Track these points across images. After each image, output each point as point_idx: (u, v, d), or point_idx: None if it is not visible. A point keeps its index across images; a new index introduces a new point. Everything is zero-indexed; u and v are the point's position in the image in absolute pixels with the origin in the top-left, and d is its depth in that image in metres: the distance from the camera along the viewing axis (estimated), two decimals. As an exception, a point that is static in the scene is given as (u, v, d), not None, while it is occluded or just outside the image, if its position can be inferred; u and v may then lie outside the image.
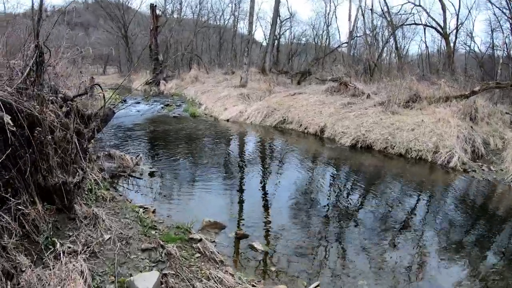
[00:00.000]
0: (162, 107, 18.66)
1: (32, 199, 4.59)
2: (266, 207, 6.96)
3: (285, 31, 32.33)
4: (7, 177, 4.09)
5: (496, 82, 16.00)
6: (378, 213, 6.97)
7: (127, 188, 7.30)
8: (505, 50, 22.26)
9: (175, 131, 13.28)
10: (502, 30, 23.31)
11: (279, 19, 27.36)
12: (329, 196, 7.85)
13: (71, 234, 4.72)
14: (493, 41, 24.65)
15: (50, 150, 4.99)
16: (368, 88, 17.04)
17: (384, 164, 10.72)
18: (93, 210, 5.06)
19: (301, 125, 14.56)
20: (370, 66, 21.52)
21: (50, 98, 6.11)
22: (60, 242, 4.40)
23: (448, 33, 23.98)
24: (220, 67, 29.63)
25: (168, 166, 9.00)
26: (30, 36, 5.55)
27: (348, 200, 7.70)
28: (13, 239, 3.86)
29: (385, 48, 26.10)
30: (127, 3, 36.33)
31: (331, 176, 9.46)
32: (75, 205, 5.06)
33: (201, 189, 7.68)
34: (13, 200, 4.04)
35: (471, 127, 12.73)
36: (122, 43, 34.50)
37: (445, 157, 10.81)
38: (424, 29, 26.04)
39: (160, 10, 28.78)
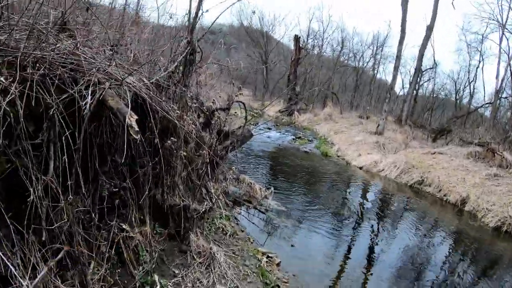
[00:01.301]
0: (293, 139, 17.61)
1: (141, 217, 3.58)
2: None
3: (425, 81, 28.97)
4: (118, 188, 3.08)
5: None
6: None
7: (249, 221, 6.07)
8: None
9: (307, 169, 11.91)
10: None
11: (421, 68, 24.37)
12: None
13: (177, 272, 3.57)
14: None
15: (179, 164, 4.01)
16: (515, 160, 13.49)
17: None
18: (211, 248, 3.85)
19: (440, 190, 11.94)
20: (512, 133, 17.46)
21: (194, 105, 5.33)
22: (161, 283, 3.25)
23: None
24: (354, 109, 27.85)
25: (297, 208, 7.57)
26: (182, 31, 4.77)
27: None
28: (103, 270, 2.81)
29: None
30: (270, 32, 37.24)
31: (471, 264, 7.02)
32: (191, 234, 3.94)
33: (332, 247, 6.09)
34: (117, 216, 3.06)
35: None
36: (260, 69, 35.22)
37: None
38: None
39: (302, 44, 28.42)
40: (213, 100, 6.67)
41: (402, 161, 13.92)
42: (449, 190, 11.75)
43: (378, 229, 7.69)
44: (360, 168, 14.09)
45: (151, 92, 3.50)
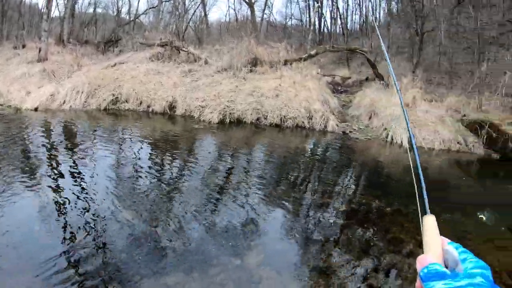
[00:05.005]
0: None
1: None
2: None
3: (88, -2, 25.88)
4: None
5: (333, 46, 15.93)
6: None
7: None
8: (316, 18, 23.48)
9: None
10: (298, 1, 25.81)
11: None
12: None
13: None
14: (289, 11, 26.98)
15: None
16: (200, 53, 14.24)
17: (269, 137, 8.65)
18: None
19: (141, 102, 10.69)
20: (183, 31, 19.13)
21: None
22: None
23: (253, 2, 24.84)
24: (5, 40, 21.55)
25: None
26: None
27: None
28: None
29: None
30: None
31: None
32: None
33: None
34: None
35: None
36: None
37: (321, 122, 9.54)
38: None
39: None
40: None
41: (85, 83, 11.32)
42: (151, 100, 10.57)
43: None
44: (36, 109, 10.49)
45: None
